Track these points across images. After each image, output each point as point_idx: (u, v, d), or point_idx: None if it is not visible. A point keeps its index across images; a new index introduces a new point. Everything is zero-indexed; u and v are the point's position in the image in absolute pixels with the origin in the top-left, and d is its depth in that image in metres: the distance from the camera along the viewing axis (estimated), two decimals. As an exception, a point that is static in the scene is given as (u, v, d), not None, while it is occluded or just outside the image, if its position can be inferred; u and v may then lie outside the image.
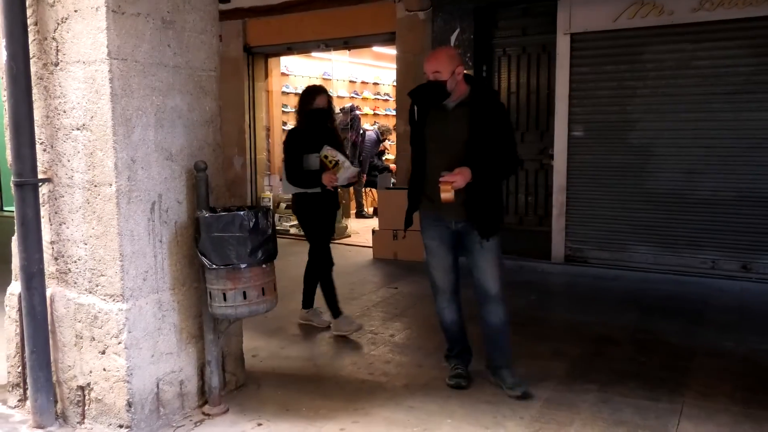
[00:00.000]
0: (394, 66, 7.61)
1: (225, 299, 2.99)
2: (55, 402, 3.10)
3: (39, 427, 3.03)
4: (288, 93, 10.09)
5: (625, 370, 3.76)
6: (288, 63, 9.94)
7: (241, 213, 2.97)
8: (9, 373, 3.30)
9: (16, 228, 2.98)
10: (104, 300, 2.93)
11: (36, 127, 2.98)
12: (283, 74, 9.89)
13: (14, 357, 3.24)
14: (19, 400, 3.26)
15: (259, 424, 3.11)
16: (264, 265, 3.04)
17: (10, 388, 3.30)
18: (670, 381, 3.58)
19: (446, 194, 3.14)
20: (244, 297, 3.01)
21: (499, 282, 3.37)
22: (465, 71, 3.35)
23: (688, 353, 4.04)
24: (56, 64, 2.93)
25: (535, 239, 6.74)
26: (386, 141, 10.44)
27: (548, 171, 6.63)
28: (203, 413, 3.21)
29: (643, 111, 6.07)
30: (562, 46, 6.30)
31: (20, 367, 3.20)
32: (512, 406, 3.28)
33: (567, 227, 6.50)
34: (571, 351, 4.09)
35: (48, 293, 3.06)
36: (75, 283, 3.03)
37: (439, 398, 3.38)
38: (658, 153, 6.03)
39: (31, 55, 2.93)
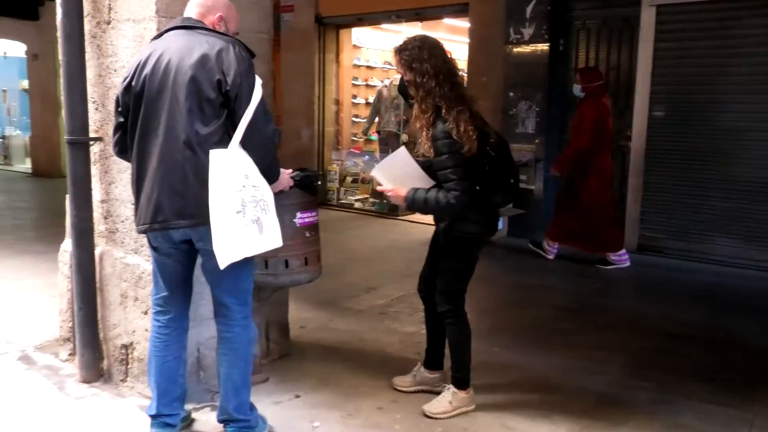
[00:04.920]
0: (467, 41, 7.35)
1: (266, 266, 2.93)
2: (101, 359, 3.16)
3: (85, 381, 3.11)
4: (359, 66, 9.98)
5: (691, 369, 3.47)
6: (360, 35, 9.82)
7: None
8: (60, 327, 3.39)
9: (68, 186, 3.03)
10: (148, 261, 2.92)
11: (89, 86, 2.99)
12: (354, 47, 9.78)
13: (66, 312, 3.32)
14: (69, 354, 3.34)
15: (297, 396, 3.06)
16: (307, 234, 2.96)
17: (62, 342, 3.39)
18: (742, 386, 3.28)
19: None
20: (286, 265, 2.93)
21: None
22: None
23: (766, 357, 3.71)
24: (108, 23, 2.92)
25: (607, 225, 6.41)
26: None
27: (625, 153, 6.25)
28: (242, 381, 3.19)
29: (732, 91, 5.61)
30: (647, 19, 5.88)
31: (71, 323, 3.27)
32: (561, 398, 3.09)
33: (642, 214, 6.15)
34: (632, 344, 3.82)
35: (97, 251, 3.10)
36: (122, 242, 3.05)
37: (485, 385, 3.23)
38: (747, 137, 5.57)
39: (84, 14, 2.94)
